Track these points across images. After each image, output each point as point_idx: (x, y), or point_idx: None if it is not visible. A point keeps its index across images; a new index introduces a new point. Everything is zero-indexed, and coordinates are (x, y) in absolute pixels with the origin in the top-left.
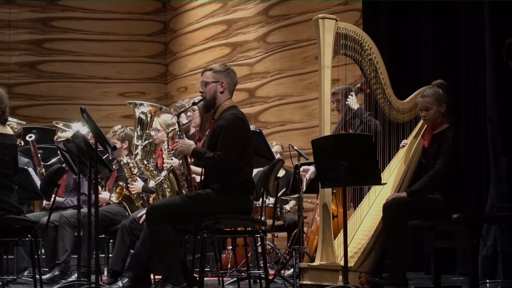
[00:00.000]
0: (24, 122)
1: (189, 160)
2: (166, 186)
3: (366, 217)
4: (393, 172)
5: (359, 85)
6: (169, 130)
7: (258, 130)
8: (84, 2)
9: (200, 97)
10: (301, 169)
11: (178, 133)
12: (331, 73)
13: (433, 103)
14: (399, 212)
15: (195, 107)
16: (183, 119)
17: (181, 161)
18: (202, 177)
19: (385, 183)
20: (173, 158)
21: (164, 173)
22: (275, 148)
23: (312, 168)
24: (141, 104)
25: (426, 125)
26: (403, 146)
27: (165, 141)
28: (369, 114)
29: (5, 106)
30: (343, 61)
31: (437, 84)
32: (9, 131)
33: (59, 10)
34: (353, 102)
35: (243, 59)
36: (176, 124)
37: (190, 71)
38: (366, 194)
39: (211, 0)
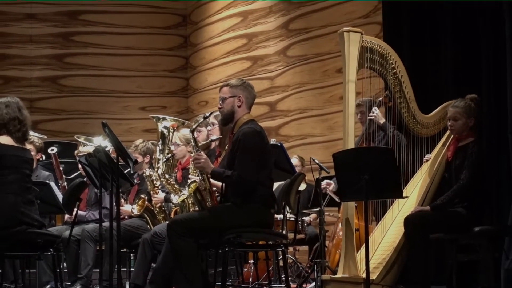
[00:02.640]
0: (46, 137)
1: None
2: (190, 201)
3: (389, 231)
4: (416, 186)
5: (381, 98)
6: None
7: (279, 144)
8: (105, 16)
9: (209, 112)
10: (324, 182)
11: (195, 148)
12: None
13: (462, 115)
14: (421, 225)
15: (215, 121)
16: (214, 136)
17: (201, 177)
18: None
19: (407, 197)
20: (198, 173)
21: (187, 190)
22: (293, 162)
23: (334, 183)
24: (164, 119)
25: (451, 137)
26: (427, 160)
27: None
28: (394, 128)
29: (26, 129)
30: (365, 74)
31: (470, 98)
32: (27, 146)
33: (80, 24)
34: (379, 116)
35: (263, 72)
36: (192, 140)
37: (210, 85)
38: (389, 208)
39: (231, 14)
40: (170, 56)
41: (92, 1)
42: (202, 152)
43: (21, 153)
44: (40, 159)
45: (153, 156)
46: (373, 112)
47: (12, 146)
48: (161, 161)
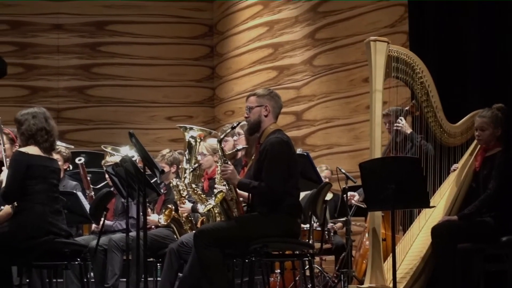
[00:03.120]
0: (73, 147)
1: None
2: (216, 211)
3: (416, 240)
4: (444, 196)
5: (407, 107)
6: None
7: (305, 153)
8: (132, 27)
9: (237, 122)
10: (348, 194)
11: (223, 159)
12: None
13: (489, 125)
14: (448, 235)
15: (241, 131)
16: (239, 145)
17: (228, 186)
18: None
19: (434, 206)
20: (224, 183)
21: (213, 200)
22: (324, 173)
23: (358, 194)
24: (191, 128)
25: (479, 147)
26: (454, 170)
27: (219, 166)
28: (421, 138)
29: (53, 139)
30: (392, 83)
31: (497, 107)
32: (54, 156)
33: (107, 35)
34: (406, 126)
35: (289, 82)
36: (220, 150)
37: (237, 95)
38: (416, 217)
39: (257, 24)
40: (197, 66)
41: (119, 12)
42: (229, 163)
43: (48, 163)
44: (67, 169)
45: (180, 166)
46: (398, 123)
47: (39, 156)
48: (187, 171)
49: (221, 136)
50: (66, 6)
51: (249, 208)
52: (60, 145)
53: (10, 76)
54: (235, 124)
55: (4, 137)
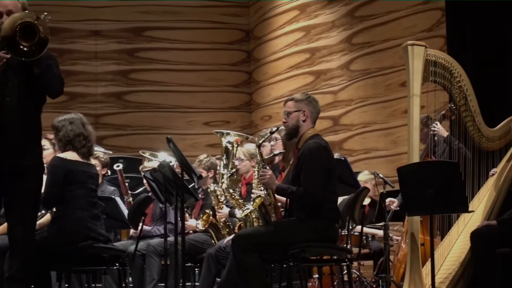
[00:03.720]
0: (111, 152)
1: None
2: (254, 216)
3: (455, 245)
4: (482, 200)
5: (443, 112)
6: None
7: (343, 158)
8: (169, 32)
9: (276, 127)
10: (387, 200)
11: (261, 164)
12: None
13: None
14: (487, 239)
15: (278, 136)
16: (277, 150)
17: (266, 191)
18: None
19: (473, 211)
20: (262, 188)
21: (251, 205)
22: (374, 181)
23: (397, 201)
24: (228, 134)
25: None
26: (493, 174)
27: (257, 171)
28: (458, 142)
29: (91, 145)
30: (430, 88)
31: None
32: (92, 162)
33: (144, 41)
34: (442, 129)
35: (326, 87)
36: (258, 155)
37: (274, 100)
38: (454, 222)
39: (294, 28)
40: (234, 71)
41: (157, 18)
42: (267, 168)
43: (86, 169)
44: (106, 174)
45: (217, 171)
46: (434, 127)
47: (78, 162)
48: (225, 176)
49: (260, 141)
50: (104, 13)
51: (287, 213)
52: (98, 150)
53: None
54: (274, 129)
55: (48, 142)
